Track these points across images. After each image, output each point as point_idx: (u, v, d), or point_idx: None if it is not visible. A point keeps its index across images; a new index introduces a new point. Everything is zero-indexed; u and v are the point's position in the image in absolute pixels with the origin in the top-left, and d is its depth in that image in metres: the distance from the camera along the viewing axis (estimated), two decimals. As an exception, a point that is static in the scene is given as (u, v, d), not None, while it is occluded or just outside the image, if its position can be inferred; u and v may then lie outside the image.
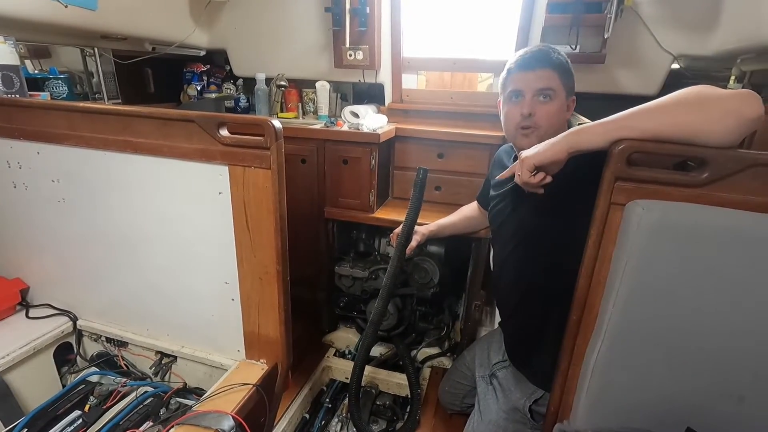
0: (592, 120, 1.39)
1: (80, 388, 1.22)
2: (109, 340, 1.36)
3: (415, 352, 1.92)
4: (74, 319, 1.36)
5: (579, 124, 1.14)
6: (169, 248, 1.17)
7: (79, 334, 1.37)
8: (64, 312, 1.36)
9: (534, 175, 0.85)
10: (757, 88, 1.58)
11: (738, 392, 0.80)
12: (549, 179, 0.84)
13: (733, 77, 1.78)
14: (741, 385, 0.80)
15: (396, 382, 1.80)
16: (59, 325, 1.33)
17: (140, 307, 1.28)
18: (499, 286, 1.21)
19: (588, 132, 0.78)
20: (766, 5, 1.28)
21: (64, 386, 1.32)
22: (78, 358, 1.37)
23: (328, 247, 1.86)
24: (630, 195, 0.77)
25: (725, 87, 1.83)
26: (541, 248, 1.04)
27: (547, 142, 0.83)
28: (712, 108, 0.70)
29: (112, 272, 1.26)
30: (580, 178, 0.83)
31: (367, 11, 1.82)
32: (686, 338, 0.78)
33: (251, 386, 1.09)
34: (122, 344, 1.35)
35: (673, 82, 1.79)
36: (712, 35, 1.59)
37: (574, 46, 1.65)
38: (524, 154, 0.86)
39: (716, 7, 1.55)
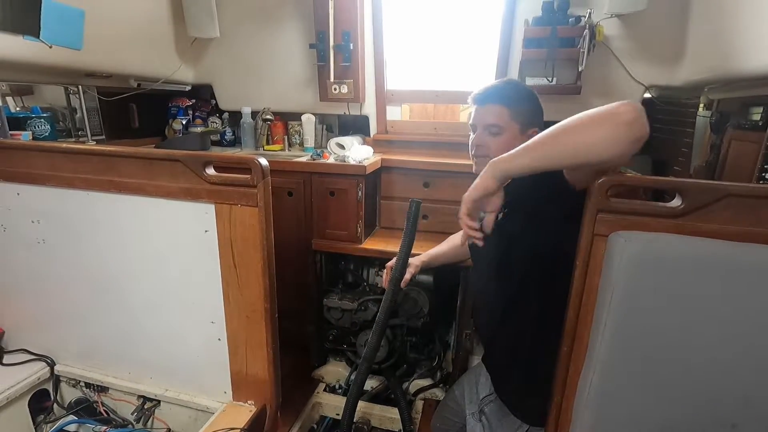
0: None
1: (57, 438, 1.16)
2: (88, 385, 1.31)
3: (407, 384, 1.88)
4: (52, 365, 1.30)
5: None
6: (153, 288, 1.14)
7: (56, 380, 1.31)
8: (41, 357, 1.31)
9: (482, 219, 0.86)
10: (725, 115, 1.67)
11: (730, 420, 0.80)
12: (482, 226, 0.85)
13: (701, 105, 1.86)
14: (733, 412, 0.80)
15: (389, 417, 1.76)
16: (35, 372, 1.27)
17: (122, 350, 1.24)
18: (477, 318, 1.21)
19: (504, 162, 0.82)
20: (728, 39, 1.36)
21: (39, 437, 1.25)
22: (55, 405, 1.31)
23: (316, 279, 1.84)
24: (612, 226, 0.79)
25: (695, 114, 1.93)
26: (512, 278, 1.05)
27: (482, 175, 0.85)
28: (590, 124, 0.74)
29: (93, 314, 1.23)
30: (537, 202, 0.86)
31: (351, 47, 1.87)
32: (676, 368, 0.79)
33: (239, 431, 1.05)
34: (102, 389, 1.29)
35: (647, 110, 1.87)
36: (680, 67, 1.67)
37: (550, 79, 1.71)
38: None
39: (682, 42, 1.64)
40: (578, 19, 1.67)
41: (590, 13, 1.63)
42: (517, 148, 0.82)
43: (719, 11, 1.42)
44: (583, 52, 1.63)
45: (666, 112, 1.99)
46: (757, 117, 1.47)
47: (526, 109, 1.08)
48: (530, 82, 1.77)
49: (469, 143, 1.14)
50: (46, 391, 1.30)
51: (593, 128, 0.73)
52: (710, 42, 1.49)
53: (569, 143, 0.76)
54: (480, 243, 0.87)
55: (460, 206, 0.86)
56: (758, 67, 1.24)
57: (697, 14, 1.56)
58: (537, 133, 1.09)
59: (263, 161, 0.96)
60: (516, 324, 1.07)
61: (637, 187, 0.81)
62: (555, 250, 0.84)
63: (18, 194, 1.17)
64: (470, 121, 1.14)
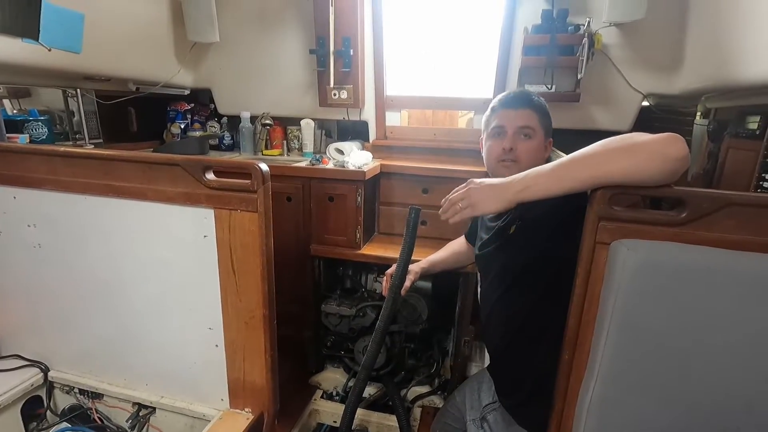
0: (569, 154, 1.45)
1: (49, 446, 1.14)
2: (82, 391, 1.28)
3: (405, 391, 1.87)
4: (45, 371, 1.28)
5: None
6: (151, 293, 1.13)
7: (50, 386, 1.29)
8: (34, 363, 1.29)
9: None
10: (722, 123, 1.68)
11: (734, 426, 0.80)
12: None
13: (699, 113, 1.88)
14: (735, 419, 0.79)
15: (386, 424, 1.74)
16: (29, 378, 1.25)
17: (118, 356, 1.22)
18: (489, 328, 1.20)
19: (533, 186, 0.81)
20: (725, 48, 1.38)
21: (31, 445, 1.23)
22: (48, 412, 1.29)
23: (315, 284, 1.83)
24: (613, 234, 0.78)
25: (692, 122, 1.95)
26: (530, 289, 1.04)
27: (495, 192, 0.84)
28: (639, 152, 0.74)
29: (89, 319, 1.21)
30: (558, 216, 0.85)
31: (351, 53, 1.87)
32: (678, 376, 0.79)
33: (236, 439, 1.03)
34: (97, 396, 1.27)
35: (645, 118, 1.89)
36: (677, 76, 1.69)
37: (549, 86, 1.72)
38: (468, 192, 0.86)
39: (680, 51, 1.66)
40: (577, 27, 1.68)
41: (589, 22, 1.64)
42: (543, 172, 0.80)
43: (716, 21, 1.43)
44: (582, 60, 1.64)
45: (664, 120, 2.00)
46: (754, 126, 1.48)
47: (548, 118, 1.12)
48: (529, 89, 1.77)
49: (494, 148, 1.11)
50: (39, 397, 1.28)
51: (643, 159, 0.73)
52: (707, 51, 1.51)
53: (615, 171, 0.75)
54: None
55: (465, 203, 0.87)
56: (755, 76, 1.25)
57: (695, 24, 1.58)
58: (551, 144, 1.12)
59: (264, 166, 0.95)
60: (530, 337, 1.07)
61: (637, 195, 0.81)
62: (572, 260, 0.84)
63: (14, 198, 1.15)
64: (495, 123, 1.11)
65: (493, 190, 0.84)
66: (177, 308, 1.12)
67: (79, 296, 1.19)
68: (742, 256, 0.73)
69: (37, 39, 1.26)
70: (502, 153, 1.09)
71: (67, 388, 1.30)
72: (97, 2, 1.56)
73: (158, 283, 1.12)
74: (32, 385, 1.25)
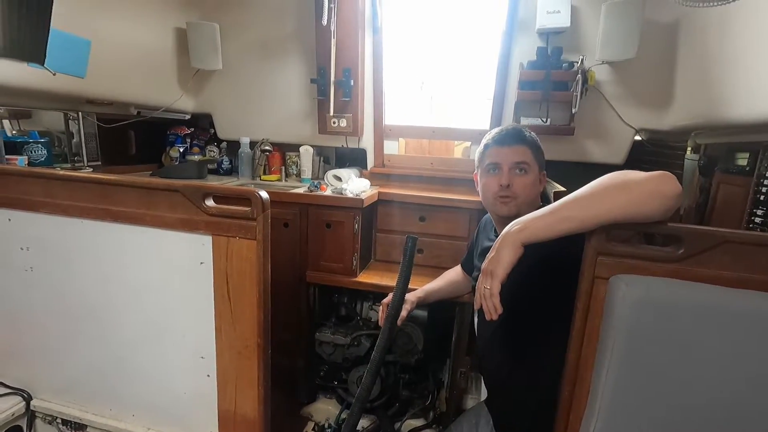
0: (565, 185, 1.47)
1: (27, 481, 1.09)
2: (65, 422, 1.23)
3: (399, 424, 1.82)
4: (28, 399, 1.23)
5: (554, 192, 1.20)
6: (142, 320, 1.11)
7: (31, 416, 1.24)
8: (17, 391, 1.24)
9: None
10: (712, 159, 1.72)
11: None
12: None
13: (689, 149, 1.93)
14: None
15: (379, 460, 1.69)
16: (10, 407, 1.20)
17: (105, 385, 1.18)
18: (485, 364, 1.18)
19: (532, 227, 0.81)
20: (712, 88, 1.43)
21: (7, 479, 1.17)
22: (27, 444, 1.23)
23: (309, 312, 1.81)
24: (612, 269, 0.79)
25: (683, 157, 1.99)
26: (527, 321, 1.04)
27: (496, 250, 0.83)
28: (636, 191, 0.75)
29: (77, 346, 1.17)
30: (553, 252, 0.86)
31: (351, 83, 1.92)
32: (679, 413, 0.78)
33: (224, 475, 0.99)
34: (80, 427, 1.22)
35: (638, 151, 1.93)
36: (668, 113, 1.74)
37: (544, 119, 1.77)
38: (485, 271, 0.84)
39: (670, 89, 1.72)
40: (571, 64, 1.74)
41: (582, 59, 1.70)
42: (545, 213, 0.81)
43: (704, 62, 1.49)
44: (576, 95, 1.69)
45: (656, 154, 2.05)
46: (743, 162, 1.52)
47: (541, 152, 1.14)
48: (525, 122, 1.82)
49: (490, 185, 1.13)
50: (19, 428, 1.23)
51: (641, 198, 0.75)
52: (696, 90, 1.56)
53: (616, 209, 0.76)
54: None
55: (487, 281, 0.83)
56: (741, 115, 1.29)
57: (683, 64, 1.64)
58: (545, 176, 1.13)
59: (264, 194, 0.95)
60: (528, 369, 1.05)
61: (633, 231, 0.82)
62: (568, 294, 0.84)
63: (9, 220, 1.14)
64: (489, 161, 1.13)
65: (497, 249, 0.83)
66: (169, 336, 1.10)
67: (67, 321, 1.16)
68: (737, 294, 0.74)
69: (42, 63, 1.28)
70: (500, 189, 1.10)
71: (50, 418, 1.25)
72: (104, 29, 1.60)
73: (151, 310, 1.09)
74: (13, 415, 1.20)
